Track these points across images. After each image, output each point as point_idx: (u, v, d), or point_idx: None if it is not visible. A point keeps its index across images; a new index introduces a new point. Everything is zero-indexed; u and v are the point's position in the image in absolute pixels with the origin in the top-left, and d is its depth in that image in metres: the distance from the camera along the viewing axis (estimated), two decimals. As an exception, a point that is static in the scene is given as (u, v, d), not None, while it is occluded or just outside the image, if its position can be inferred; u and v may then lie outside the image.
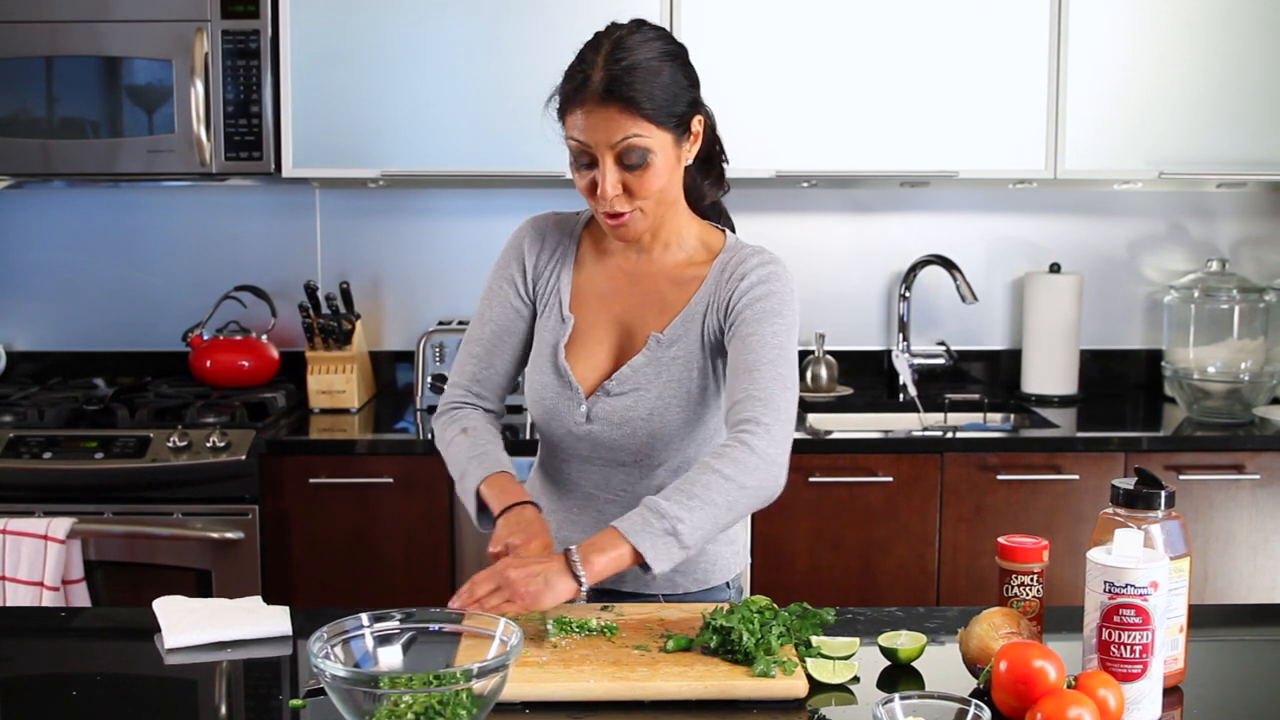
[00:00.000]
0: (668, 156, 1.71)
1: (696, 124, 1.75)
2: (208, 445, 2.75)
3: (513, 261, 1.89)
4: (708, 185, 1.90)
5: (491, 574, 1.55)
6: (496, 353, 1.88)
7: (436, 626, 1.41)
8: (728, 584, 1.91)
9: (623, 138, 1.66)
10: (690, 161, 1.78)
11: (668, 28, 2.96)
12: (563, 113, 1.72)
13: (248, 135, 2.95)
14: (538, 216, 1.93)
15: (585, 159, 1.70)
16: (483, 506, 1.78)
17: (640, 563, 1.57)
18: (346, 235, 3.41)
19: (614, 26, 1.71)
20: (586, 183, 1.72)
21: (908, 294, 3.39)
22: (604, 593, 1.78)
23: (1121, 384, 3.51)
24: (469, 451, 1.82)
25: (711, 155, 1.89)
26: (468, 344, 1.90)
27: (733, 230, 1.91)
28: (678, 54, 1.73)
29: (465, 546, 2.84)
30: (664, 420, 1.78)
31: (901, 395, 3.32)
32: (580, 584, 1.54)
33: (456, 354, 1.93)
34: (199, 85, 2.91)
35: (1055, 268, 3.37)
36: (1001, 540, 1.56)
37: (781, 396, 1.69)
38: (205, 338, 3.24)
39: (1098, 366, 3.48)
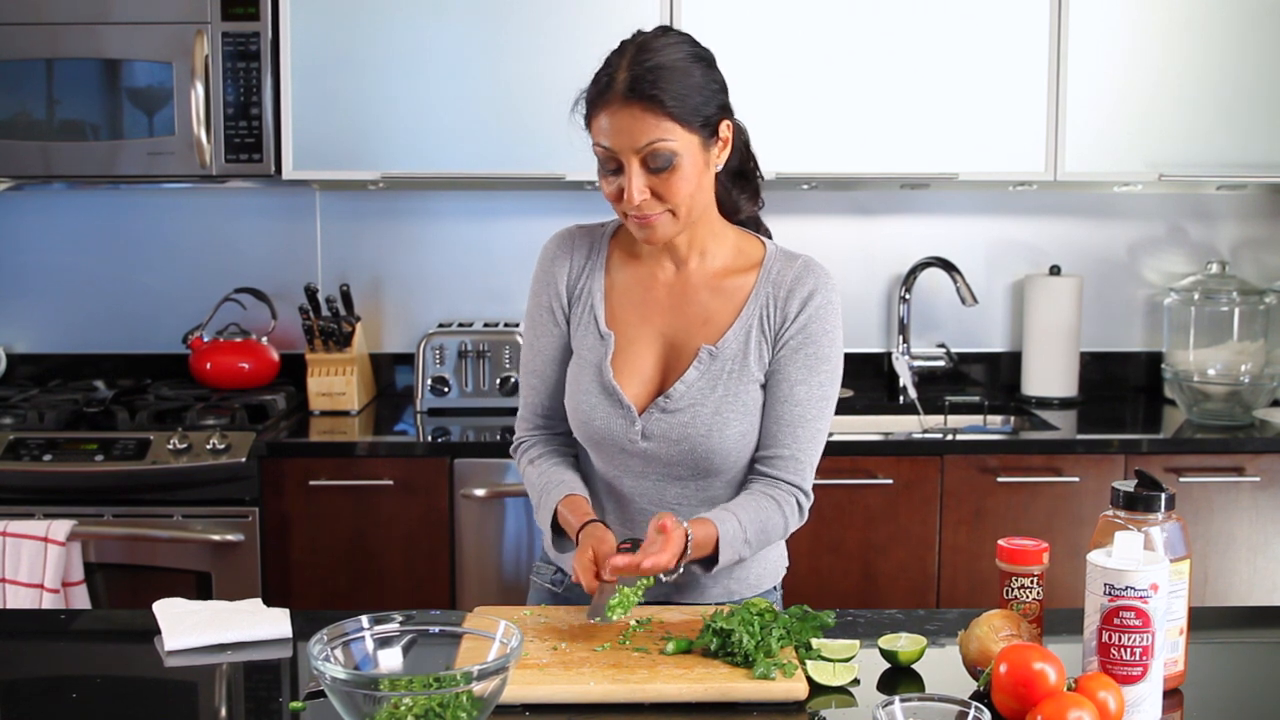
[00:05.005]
0: (695, 160, 1.68)
1: (725, 129, 1.73)
2: (208, 447, 2.75)
3: (547, 288, 1.86)
4: (743, 200, 1.87)
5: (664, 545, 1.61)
6: (552, 379, 1.87)
7: (436, 629, 1.41)
8: (775, 587, 1.93)
9: (648, 142, 1.64)
10: (720, 168, 1.76)
11: (668, 30, 2.97)
12: (589, 118, 1.70)
13: (248, 137, 2.95)
14: (562, 232, 1.89)
15: (612, 164, 1.68)
16: (559, 532, 1.79)
17: (705, 566, 1.70)
18: (347, 237, 3.41)
19: (640, 32, 1.71)
20: (614, 189, 1.69)
21: (908, 296, 3.39)
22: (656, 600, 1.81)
23: (1121, 386, 3.51)
24: (538, 482, 1.83)
25: (746, 170, 1.87)
26: (524, 376, 1.90)
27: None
28: (705, 57, 1.72)
29: (465, 548, 2.84)
30: (723, 435, 1.75)
31: (901, 397, 3.32)
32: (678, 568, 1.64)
33: (520, 385, 1.93)
34: (199, 87, 2.91)
35: (1055, 270, 3.37)
36: (1001, 543, 1.56)
37: (817, 456, 1.80)
38: (205, 340, 3.24)
39: (1098, 369, 3.49)
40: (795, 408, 1.75)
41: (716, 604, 1.80)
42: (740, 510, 1.71)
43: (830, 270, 1.81)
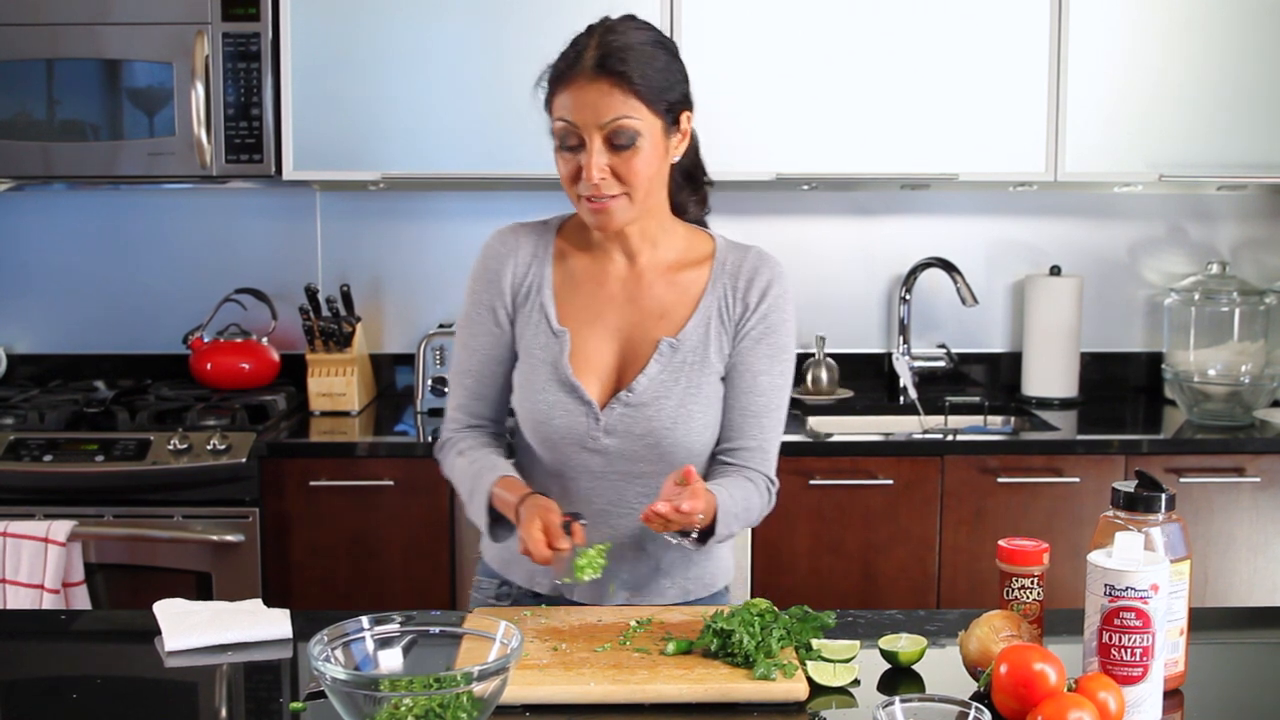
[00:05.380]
0: (656, 144, 1.68)
1: (686, 121, 1.74)
2: (208, 448, 2.75)
3: (489, 286, 1.82)
4: (691, 203, 1.87)
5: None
6: (488, 380, 1.84)
7: (436, 629, 1.41)
8: (726, 587, 1.93)
9: (613, 118, 1.64)
10: (678, 159, 1.76)
11: (668, 29, 2.97)
12: (551, 93, 1.70)
13: (248, 138, 2.95)
14: (504, 230, 1.87)
15: (573, 140, 1.67)
16: (496, 519, 1.75)
17: (700, 538, 1.67)
18: (347, 238, 3.41)
19: (606, 17, 1.72)
20: (571, 168, 1.68)
21: (908, 296, 3.39)
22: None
23: (1122, 387, 3.51)
24: (469, 470, 1.78)
25: (695, 173, 1.86)
26: (456, 375, 1.86)
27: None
28: (669, 45, 1.73)
29: (465, 548, 2.84)
30: (688, 427, 1.75)
31: (902, 398, 3.32)
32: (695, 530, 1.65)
33: (449, 385, 1.89)
34: (199, 88, 2.91)
35: (1055, 270, 3.37)
36: (1002, 543, 1.56)
37: (779, 444, 1.83)
38: (206, 340, 3.25)
39: (1098, 369, 3.48)
40: (760, 398, 1.77)
41: (673, 604, 1.80)
42: (725, 487, 1.71)
43: (779, 261, 1.83)
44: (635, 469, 1.77)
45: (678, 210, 1.85)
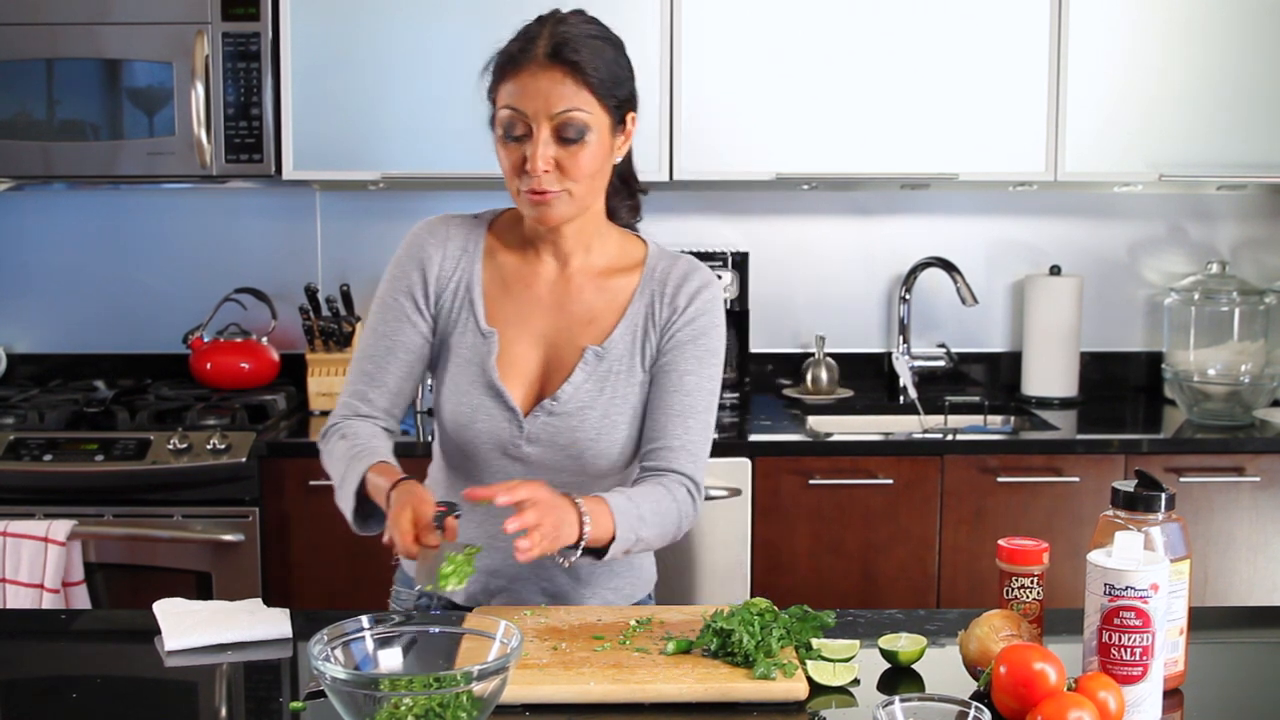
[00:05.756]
0: (603, 141, 1.65)
1: (631, 122, 1.71)
2: (208, 447, 2.75)
3: (412, 271, 1.75)
4: (624, 210, 1.82)
5: (532, 491, 1.49)
6: (391, 370, 1.75)
7: (436, 629, 1.41)
8: (649, 595, 1.90)
9: (564, 109, 1.60)
10: (619, 161, 1.73)
11: (668, 29, 2.97)
12: (498, 81, 1.66)
13: (248, 138, 2.95)
14: (433, 220, 1.80)
15: (519, 129, 1.63)
16: (363, 512, 1.64)
17: (599, 548, 1.58)
18: (347, 237, 3.41)
19: (556, 10, 1.68)
20: (516, 158, 1.63)
21: (908, 296, 3.39)
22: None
23: (1122, 386, 3.51)
24: (347, 453, 1.67)
25: (629, 178, 1.82)
26: (359, 360, 1.77)
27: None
28: (619, 42, 1.70)
29: (465, 549, 2.84)
30: (611, 438, 1.72)
31: (902, 397, 3.32)
32: (580, 542, 1.54)
33: (348, 370, 1.79)
34: (199, 88, 2.91)
35: (1055, 270, 3.37)
36: (1002, 543, 1.56)
37: (707, 448, 1.75)
38: (205, 340, 3.25)
39: (1098, 369, 3.48)
40: (685, 398, 1.71)
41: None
42: (625, 493, 1.63)
43: (711, 270, 1.79)
44: (557, 479, 1.68)
45: (610, 215, 1.80)
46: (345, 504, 1.66)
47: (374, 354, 1.76)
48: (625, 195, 1.82)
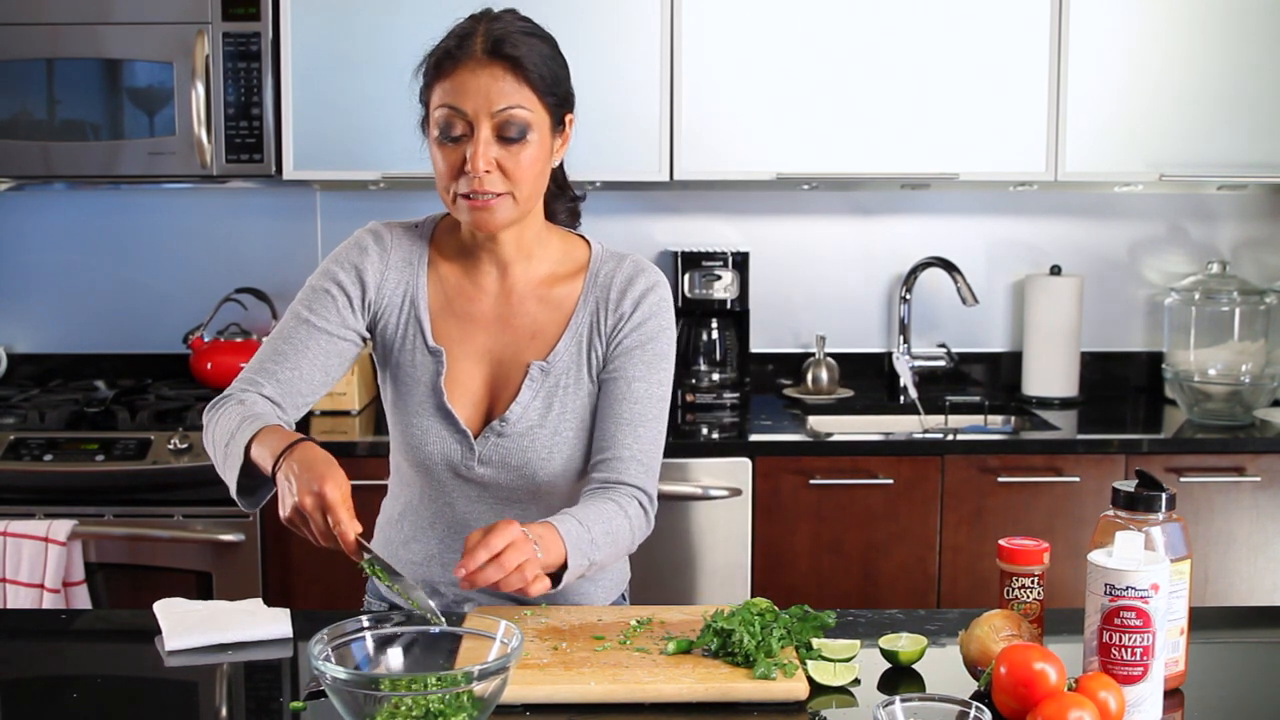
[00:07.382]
0: (544, 141, 1.60)
1: (569, 124, 1.67)
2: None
3: (351, 269, 1.70)
4: (563, 215, 1.79)
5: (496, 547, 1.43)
6: (306, 356, 1.66)
7: (437, 629, 1.41)
8: (623, 595, 1.88)
9: (505, 106, 1.56)
10: (557, 164, 1.69)
11: (668, 29, 2.97)
12: (432, 80, 1.61)
13: (248, 137, 2.96)
14: (377, 227, 1.75)
15: (458, 129, 1.58)
16: (245, 489, 1.57)
17: (553, 581, 1.53)
18: (347, 237, 3.40)
19: (489, 9, 1.64)
20: (453, 161, 1.58)
21: (908, 296, 3.39)
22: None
23: (1122, 386, 3.51)
24: (235, 422, 1.56)
25: (564, 183, 1.78)
26: (272, 340, 1.68)
27: None
28: (554, 40, 1.66)
29: (466, 549, 2.84)
30: (563, 454, 1.69)
31: (902, 397, 3.32)
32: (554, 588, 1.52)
33: (257, 351, 1.71)
34: (200, 87, 2.91)
35: (1056, 270, 3.37)
36: (1002, 542, 1.56)
37: (659, 457, 1.71)
38: (206, 340, 3.25)
39: (1098, 369, 3.48)
40: (635, 405, 1.67)
41: None
42: (574, 512, 1.59)
43: (658, 270, 1.74)
44: (512, 495, 1.70)
45: (550, 218, 1.77)
46: (230, 476, 1.56)
47: (290, 335, 1.67)
48: (564, 199, 1.78)
